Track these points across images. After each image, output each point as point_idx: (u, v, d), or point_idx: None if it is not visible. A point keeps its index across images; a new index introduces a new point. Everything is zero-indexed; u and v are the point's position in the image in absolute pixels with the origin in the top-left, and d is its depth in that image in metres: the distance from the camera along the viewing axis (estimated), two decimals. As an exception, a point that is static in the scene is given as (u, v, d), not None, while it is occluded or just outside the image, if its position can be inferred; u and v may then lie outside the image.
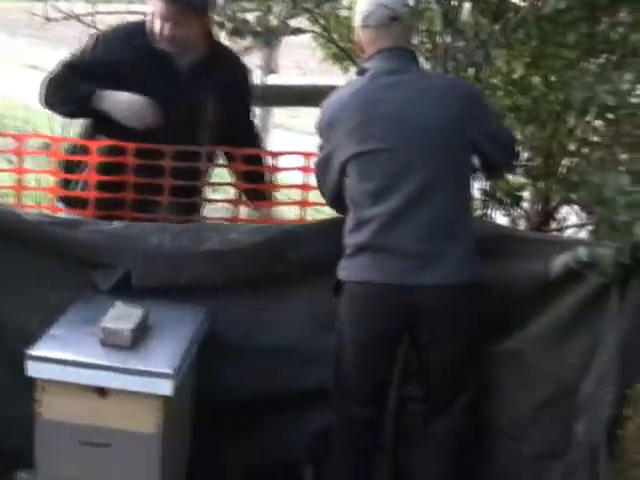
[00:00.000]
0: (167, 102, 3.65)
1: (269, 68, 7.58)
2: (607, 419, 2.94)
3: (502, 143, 3.39)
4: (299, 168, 3.72)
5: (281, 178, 4.13)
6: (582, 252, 2.86)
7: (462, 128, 3.24)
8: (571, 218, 4.26)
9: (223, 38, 4.30)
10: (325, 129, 3.35)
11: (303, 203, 3.78)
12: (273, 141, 7.72)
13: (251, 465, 3.66)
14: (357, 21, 3.41)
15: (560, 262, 2.96)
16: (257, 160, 3.88)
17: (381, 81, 3.28)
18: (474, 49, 3.58)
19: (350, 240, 3.27)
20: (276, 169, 3.89)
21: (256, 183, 3.85)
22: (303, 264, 3.51)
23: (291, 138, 10.79)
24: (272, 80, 7.50)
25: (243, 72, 3.99)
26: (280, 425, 3.61)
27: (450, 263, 3.17)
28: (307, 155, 3.68)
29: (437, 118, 3.21)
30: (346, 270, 3.28)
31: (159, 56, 3.70)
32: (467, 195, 3.36)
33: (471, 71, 3.83)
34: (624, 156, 3.18)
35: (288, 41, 6.09)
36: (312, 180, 3.61)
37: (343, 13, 4.50)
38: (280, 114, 8.01)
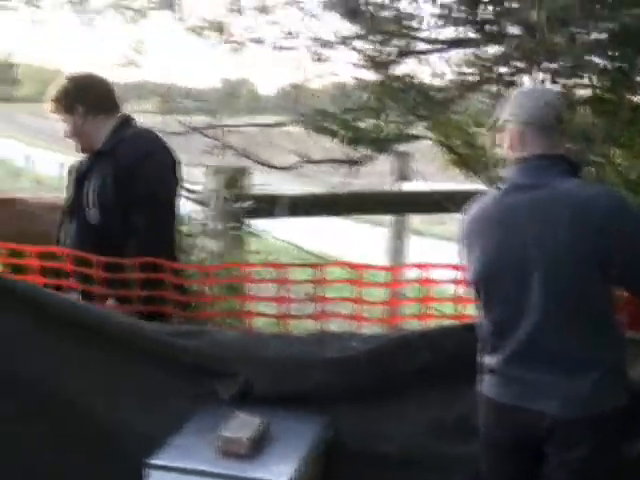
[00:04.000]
0: None
1: (402, 175, 7.67)
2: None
3: None
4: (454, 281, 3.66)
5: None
6: None
7: (597, 258, 2.95)
8: None
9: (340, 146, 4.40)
10: (461, 245, 3.25)
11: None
12: (411, 248, 7.80)
13: None
14: (509, 116, 3.15)
15: None
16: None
17: (510, 199, 3.07)
18: (583, 149, 3.53)
19: (484, 360, 3.20)
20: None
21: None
22: (419, 372, 3.48)
23: (429, 244, 10.88)
24: (406, 187, 7.59)
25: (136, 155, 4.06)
26: None
27: (574, 393, 2.98)
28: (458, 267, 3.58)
29: (565, 247, 2.95)
30: (481, 383, 3.21)
31: None
32: (603, 322, 3.04)
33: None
34: None
35: (416, 147, 6.18)
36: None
37: (459, 119, 4.52)
38: (417, 220, 8.08)
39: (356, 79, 4.62)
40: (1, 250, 3.96)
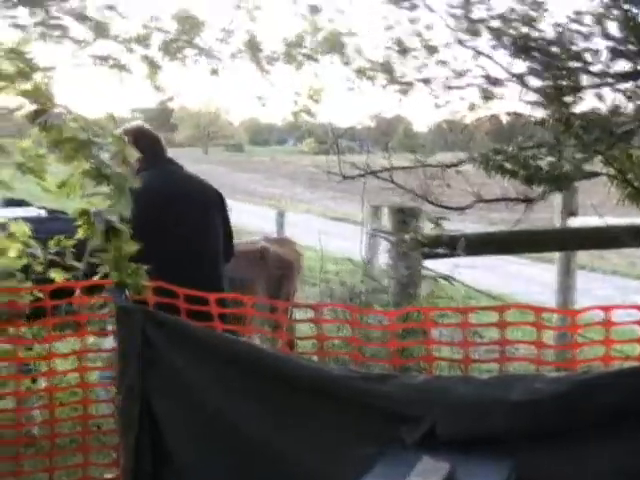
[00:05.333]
0: None
1: (569, 210, 7.52)
2: None
3: None
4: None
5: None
6: None
7: None
8: None
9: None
10: None
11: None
12: (579, 282, 7.61)
13: None
14: None
15: None
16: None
17: None
18: None
19: None
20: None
21: None
22: (605, 415, 3.38)
23: (594, 279, 10.64)
24: (572, 222, 7.43)
25: None
26: None
27: None
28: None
29: None
30: None
31: None
32: None
33: None
34: None
35: (582, 181, 6.02)
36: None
37: (636, 153, 4.42)
38: (579, 255, 7.90)
39: (528, 116, 4.56)
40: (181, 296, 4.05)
